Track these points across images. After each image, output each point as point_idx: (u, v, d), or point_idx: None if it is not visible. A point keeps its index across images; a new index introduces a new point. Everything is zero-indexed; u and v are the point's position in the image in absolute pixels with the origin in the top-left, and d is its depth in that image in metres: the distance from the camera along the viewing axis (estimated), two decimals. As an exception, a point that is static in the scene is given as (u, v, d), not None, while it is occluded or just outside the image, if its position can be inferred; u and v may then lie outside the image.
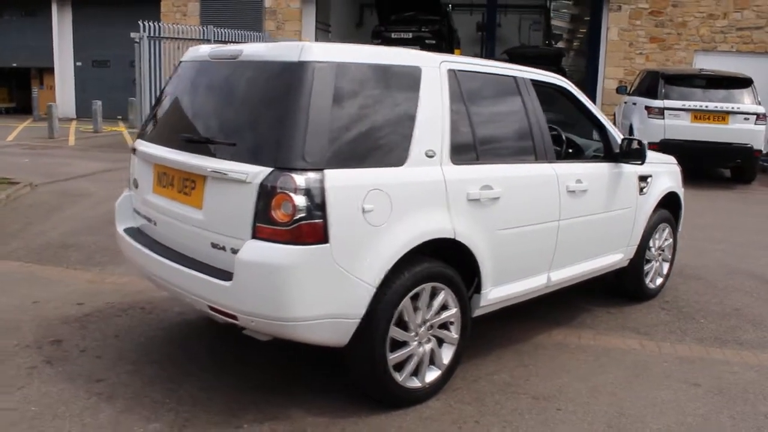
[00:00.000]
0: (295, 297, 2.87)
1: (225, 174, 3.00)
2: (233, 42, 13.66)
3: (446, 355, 3.44)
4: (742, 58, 15.07)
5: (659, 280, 5.20)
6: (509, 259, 3.70)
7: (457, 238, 3.33)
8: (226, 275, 2.97)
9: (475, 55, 17.78)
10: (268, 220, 2.85)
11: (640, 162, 4.49)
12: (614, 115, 14.95)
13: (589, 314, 4.73)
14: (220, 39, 13.89)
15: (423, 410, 3.27)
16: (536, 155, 3.91)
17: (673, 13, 15.50)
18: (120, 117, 18.74)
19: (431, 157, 3.29)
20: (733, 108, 10.79)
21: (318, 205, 2.83)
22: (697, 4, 15.35)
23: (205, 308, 3.17)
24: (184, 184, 3.28)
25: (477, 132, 3.57)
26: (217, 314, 3.12)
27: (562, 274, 4.14)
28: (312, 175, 2.84)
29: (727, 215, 8.85)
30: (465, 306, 3.46)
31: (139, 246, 3.55)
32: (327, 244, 2.86)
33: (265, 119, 3.05)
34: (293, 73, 2.98)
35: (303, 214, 2.80)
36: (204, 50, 3.63)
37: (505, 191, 3.58)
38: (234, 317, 3.00)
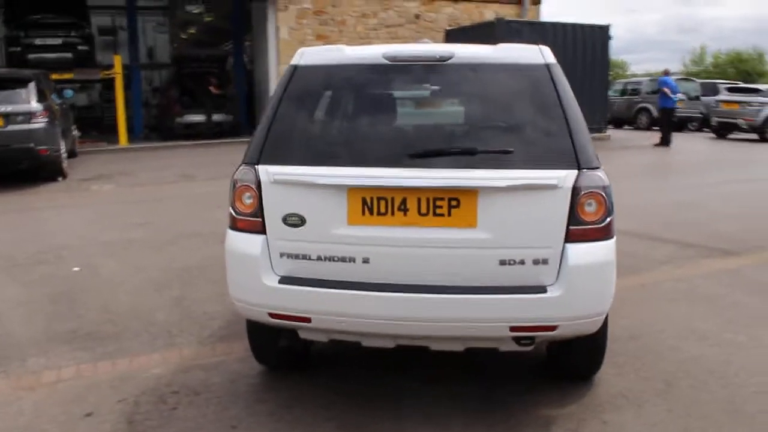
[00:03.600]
0: (612, 290, 2.92)
1: (528, 184, 2.76)
2: None
3: None
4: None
5: None
6: None
7: None
8: (538, 289, 2.76)
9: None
10: (580, 222, 2.80)
11: None
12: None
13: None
14: None
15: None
16: None
17: (333, 13, 16.89)
18: None
19: None
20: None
21: (612, 201, 2.88)
22: (351, 4, 17.03)
23: (501, 333, 2.80)
24: (437, 205, 2.77)
25: None
26: (519, 333, 2.79)
27: None
28: (603, 173, 2.88)
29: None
30: None
31: (349, 291, 2.81)
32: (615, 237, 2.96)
33: (539, 122, 2.92)
34: (545, 74, 2.96)
35: (610, 210, 2.85)
36: (362, 53, 3.05)
37: None
38: (551, 328, 2.80)
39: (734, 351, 3.88)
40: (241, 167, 3.01)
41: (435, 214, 2.77)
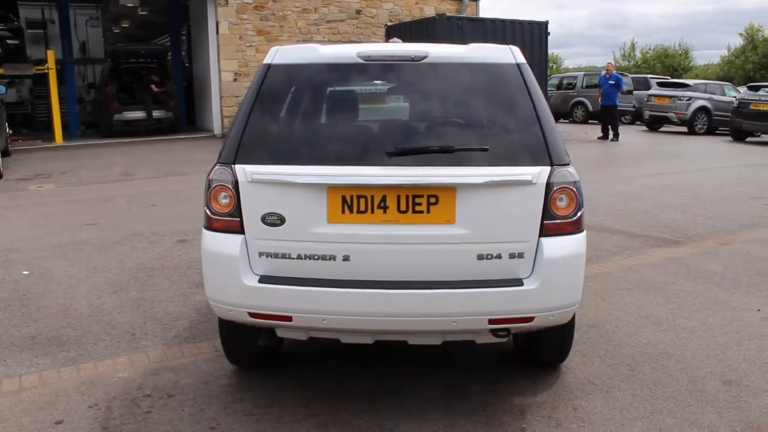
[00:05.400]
0: (582, 281, 3.05)
1: (505, 180, 2.84)
2: None
3: None
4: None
5: None
6: None
7: None
8: (515, 282, 2.85)
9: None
10: (553, 216, 2.91)
11: None
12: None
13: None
14: None
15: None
16: None
17: (274, 8, 16.70)
18: None
19: None
20: None
21: (582, 196, 3.00)
22: (293, 0, 16.87)
23: (480, 326, 2.88)
24: (416, 202, 2.82)
25: None
26: (497, 326, 2.88)
27: None
28: (573, 169, 2.99)
29: None
30: None
31: (330, 289, 2.82)
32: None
33: (512, 120, 3.00)
34: (516, 73, 3.04)
35: (581, 204, 2.97)
36: (336, 52, 3.07)
37: None
38: (528, 319, 2.90)
39: (687, 336, 4.09)
40: (216, 167, 2.98)
41: (414, 211, 2.81)
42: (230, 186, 2.89)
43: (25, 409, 3.26)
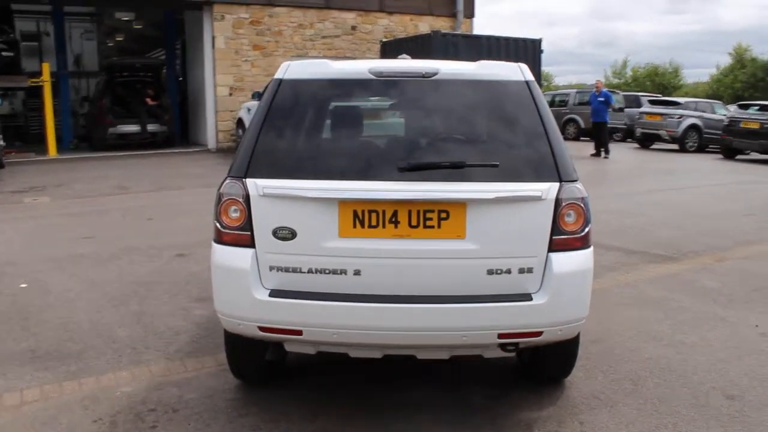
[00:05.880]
0: (590, 296, 3.08)
1: (515, 196, 2.87)
2: None
3: None
4: (327, 62, 17.35)
5: None
6: None
7: None
8: (524, 297, 2.89)
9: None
10: (562, 231, 2.94)
11: None
12: (239, 119, 15.55)
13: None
14: None
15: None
16: None
17: (270, 23, 16.77)
18: None
19: None
20: None
21: (589, 212, 3.04)
22: (289, 15, 16.97)
23: (489, 340, 2.90)
24: (426, 217, 2.84)
25: None
26: (507, 340, 2.90)
27: None
28: (581, 185, 3.03)
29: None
30: None
31: (341, 303, 2.84)
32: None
33: (521, 137, 3.04)
34: (525, 90, 3.09)
35: (589, 220, 3.00)
36: (348, 67, 3.11)
37: None
38: (536, 334, 2.92)
39: (688, 351, 4.12)
40: (227, 181, 3.00)
41: (425, 226, 2.83)
42: (241, 200, 2.91)
43: (28, 424, 3.24)
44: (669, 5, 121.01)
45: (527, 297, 2.88)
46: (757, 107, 18.11)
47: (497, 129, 3.07)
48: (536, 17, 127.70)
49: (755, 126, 17.04)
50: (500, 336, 2.88)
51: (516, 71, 3.12)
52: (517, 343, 2.96)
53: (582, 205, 2.95)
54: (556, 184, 2.92)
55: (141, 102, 16.78)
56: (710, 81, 47.23)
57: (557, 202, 2.90)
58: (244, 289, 2.87)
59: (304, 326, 2.85)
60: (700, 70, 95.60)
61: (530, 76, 3.12)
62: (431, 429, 3.14)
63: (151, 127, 16.42)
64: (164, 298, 5.17)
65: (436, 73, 3.05)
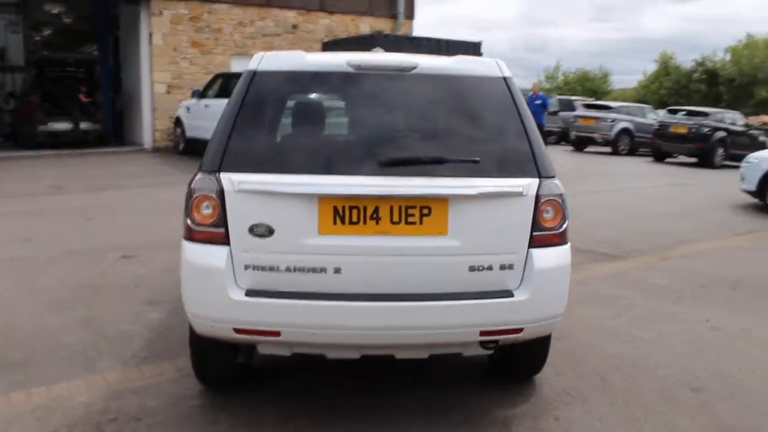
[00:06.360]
0: (567, 291, 3.09)
1: (497, 192, 2.85)
2: None
3: None
4: (268, 61, 17.05)
5: None
6: None
7: None
8: (505, 293, 2.87)
9: None
10: (541, 228, 2.95)
11: None
12: (177, 118, 15.11)
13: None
14: None
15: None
16: None
17: (209, 20, 16.36)
18: None
19: None
20: None
21: (567, 208, 3.06)
22: (229, 12, 16.60)
23: (471, 338, 2.87)
24: (408, 213, 2.79)
25: None
26: (488, 337, 2.88)
27: None
28: (559, 182, 3.03)
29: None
30: None
31: (321, 302, 2.75)
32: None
33: (501, 133, 3.02)
34: (503, 87, 3.08)
35: (567, 217, 3.03)
36: (325, 60, 3.02)
37: None
38: (517, 331, 2.92)
39: (648, 346, 4.22)
40: (198, 175, 2.86)
41: (407, 222, 2.78)
42: (214, 195, 2.78)
43: (-25, 439, 3.01)
44: (595, 13, 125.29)
45: (509, 293, 2.86)
46: (684, 112, 18.93)
47: (476, 124, 3.04)
48: (467, 21, 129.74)
49: (683, 131, 17.80)
50: (482, 333, 2.85)
51: (494, 67, 3.11)
52: (497, 341, 2.94)
53: (560, 201, 2.96)
54: (536, 180, 2.92)
55: (73, 99, 16.06)
56: (637, 87, 49.14)
57: (537, 198, 2.90)
58: (218, 288, 2.74)
59: (283, 327, 2.74)
60: (626, 76, 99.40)
61: (508, 72, 3.11)
62: (408, 428, 3.08)
63: (83, 125, 15.72)
64: (112, 302, 4.93)
65: (415, 67, 3.01)
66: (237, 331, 2.78)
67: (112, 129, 17.90)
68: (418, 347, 2.93)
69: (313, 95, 3.02)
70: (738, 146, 17.21)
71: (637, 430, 3.11)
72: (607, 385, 3.60)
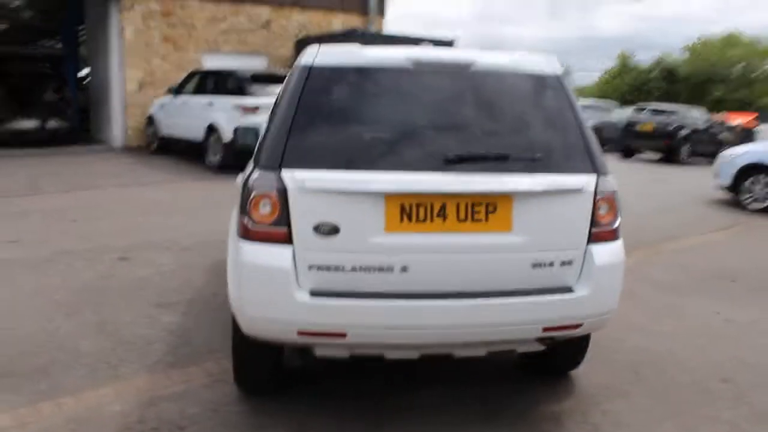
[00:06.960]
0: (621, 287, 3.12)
1: (560, 188, 2.88)
2: None
3: None
4: (240, 57, 16.81)
5: None
6: None
7: None
8: (566, 289, 2.91)
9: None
10: (598, 224, 2.99)
11: None
12: (150, 116, 14.77)
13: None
14: None
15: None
16: None
17: (182, 15, 16.03)
18: None
19: None
20: None
21: (620, 205, 3.10)
22: (201, 8, 16.28)
23: (534, 334, 2.89)
24: (475, 210, 2.78)
25: None
26: (549, 334, 2.90)
27: None
28: (613, 179, 3.08)
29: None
30: None
31: (389, 302, 2.71)
32: None
33: (559, 130, 3.03)
34: (558, 83, 3.11)
35: (619, 213, 3.05)
36: (384, 55, 2.98)
37: None
38: (577, 326, 2.95)
39: (668, 339, 4.30)
40: (256, 172, 2.78)
41: (473, 220, 2.77)
42: (275, 193, 2.71)
43: (12, 454, 2.88)
44: (551, 11, 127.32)
45: (569, 289, 2.89)
46: (652, 110, 19.36)
47: (535, 121, 3.03)
48: (423, 19, 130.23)
49: (650, 128, 18.23)
50: (544, 330, 2.86)
51: (551, 64, 3.13)
52: (553, 337, 2.95)
53: (615, 197, 2.99)
54: (594, 177, 2.95)
55: (39, 96, 15.55)
56: (599, 83, 50.15)
57: (596, 194, 2.93)
58: (283, 290, 2.67)
59: (349, 328, 2.69)
60: (583, 73, 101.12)
61: (561, 70, 3.13)
62: (462, 423, 3.08)
63: (51, 123, 15.24)
64: (121, 305, 4.79)
65: (473, 64, 3.00)
66: (300, 333, 2.71)
67: (79, 126, 17.42)
68: (478, 345, 2.92)
69: (372, 91, 2.96)
70: (702, 143, 17.79)
71: (684, 422, 3.17)
72: (641, 379, 3.65)
